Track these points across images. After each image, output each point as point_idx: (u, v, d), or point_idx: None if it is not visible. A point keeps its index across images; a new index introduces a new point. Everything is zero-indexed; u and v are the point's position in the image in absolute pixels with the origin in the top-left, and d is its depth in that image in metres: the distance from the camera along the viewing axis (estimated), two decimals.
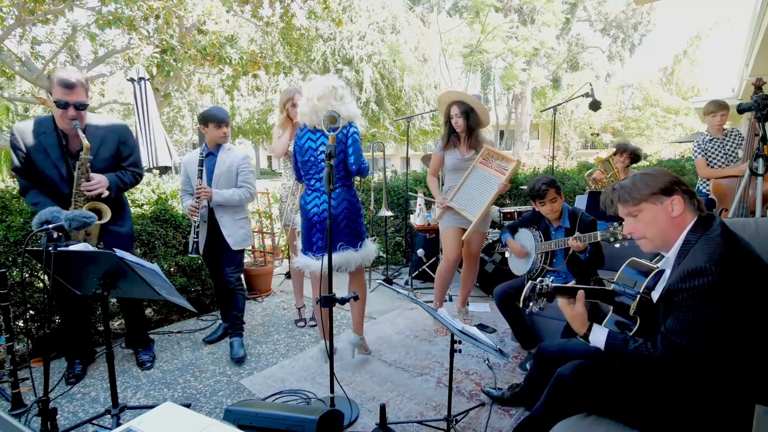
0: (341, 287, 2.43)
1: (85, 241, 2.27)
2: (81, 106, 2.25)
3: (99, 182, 2.30)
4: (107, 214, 2.35)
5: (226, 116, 2.80)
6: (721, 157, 3.48)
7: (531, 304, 1.54)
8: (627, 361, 1.35)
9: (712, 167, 3.54)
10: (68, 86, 2.18)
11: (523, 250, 2.72)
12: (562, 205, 2.58)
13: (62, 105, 2.20)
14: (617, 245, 2.23)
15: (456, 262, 3.14)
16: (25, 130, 2.28)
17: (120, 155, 2.48)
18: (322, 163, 2.37)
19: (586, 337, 1.45)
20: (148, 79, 4.63)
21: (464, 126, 2.96)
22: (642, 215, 1.40)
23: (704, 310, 1.19)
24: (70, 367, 2.54)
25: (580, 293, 1.51)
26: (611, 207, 1.48)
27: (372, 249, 2.56)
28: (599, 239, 2.30)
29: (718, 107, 3.48)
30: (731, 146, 3.47)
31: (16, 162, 2.29)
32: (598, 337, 1.41)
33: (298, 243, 2.62)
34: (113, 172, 2.43)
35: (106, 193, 2.32)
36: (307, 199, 2.48)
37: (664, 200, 1.36)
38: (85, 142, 2.24)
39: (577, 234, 2.39)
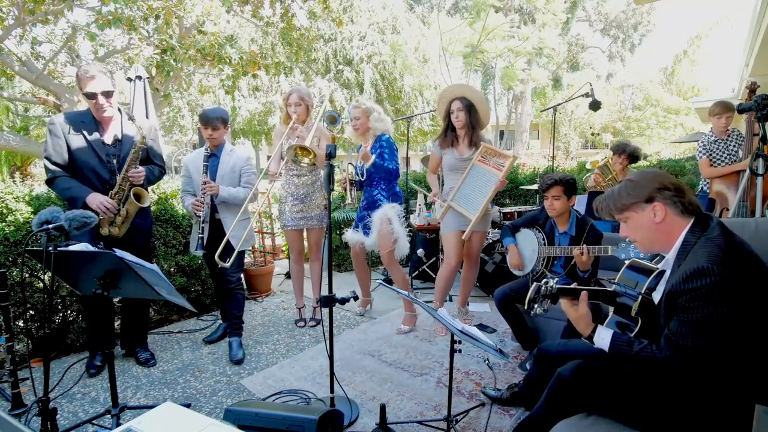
0: (342, 287, 2.43)
1: (116, 224, 2.44)
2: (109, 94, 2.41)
3: (141, 171, 2.48)
4: (147, 200, 2.57)
5: (212, 117, 2.77)
6: (725, 157, 3.49)
7: (536, 306, 1.54)
8: (631, 363, 1.35)
9: (716, 167, 3.54)
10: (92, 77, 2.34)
11: (521, 264, 2.68)
12: (567, 207, 2.53)
13: (90, 96, 2.36)
14: (627, 261, 2.18)
15: (458, 267, 3.13)
16: (64, 120, 2.42)
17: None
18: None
19: (590, 338, 1.45)
20: (147, 78, 4.63)
21: (465, 121, 2.94)
22: (629, 221, 1.45)
23: (707, 310, 1.19)
24: (92, 358, 2.63)
25: (583, 294, 1.51)
26: (603, 213, 1.52)
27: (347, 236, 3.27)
28: (610, 253, 2.22)
29: (723, 109, 3.47)
30: (734, 146, 3.47)
31: (51, 150, 2.39)
32: (603, 338, 1.41)
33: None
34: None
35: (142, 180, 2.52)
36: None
37: (646, 207, 1.39)
38: (143, 132, 2.45)
39: (586, 246, 2.33)
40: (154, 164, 2.66)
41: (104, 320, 2.56)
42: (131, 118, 2.47)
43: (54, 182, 2.40)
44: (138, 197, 2.46)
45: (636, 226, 1.43)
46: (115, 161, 2.46)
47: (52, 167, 2.39)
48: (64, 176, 2.40)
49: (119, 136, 2.49)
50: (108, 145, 2.46)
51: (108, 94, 2.38)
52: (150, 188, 3.34)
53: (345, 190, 3.28)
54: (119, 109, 2.52)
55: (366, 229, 3.18)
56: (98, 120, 2.44)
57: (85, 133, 2.41)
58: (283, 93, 3.24)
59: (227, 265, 2.77)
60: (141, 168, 2.48)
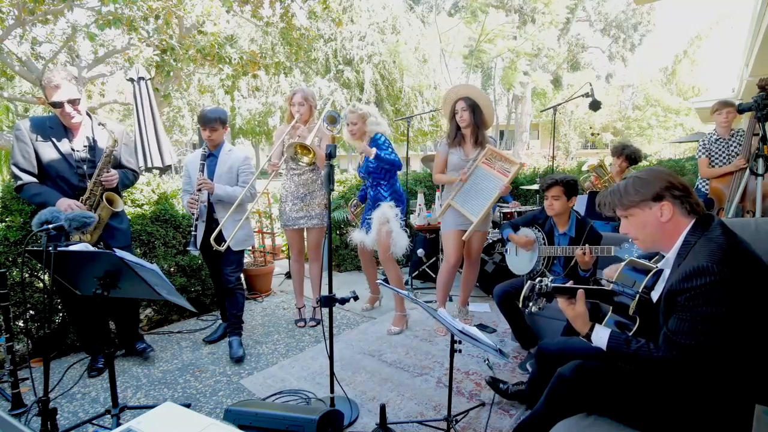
0: (342, 287, 2.43)
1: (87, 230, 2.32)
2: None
3: (114, 174, 2.45)
4: (120, 204, 2.52)
5: (211, 118, 2.77)
6: (724, 157, 3.47)
7: (530, 304, 1.54)
8: (629, 362, 1.35)
9: (714, 168, 3.54)
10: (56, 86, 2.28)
11: (529, 240, 2.65)
12: (566, 207, 2.53)
13: (56, 105, 2.31)
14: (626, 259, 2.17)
15: (457, 265, 3.14)
16: (31, 126, 2.36)
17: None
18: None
19: (588, 336, 1.45)
20: (149, 79, 4.64)
21: (470, 120, 2.95)
22: (633, 219, 1.43)
23: (706, 309, 1.19)
24: (94, 360, 2.63)
25: (580, 292, 1.50)
26: (605, 208, 1.50)
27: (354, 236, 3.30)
28: (612, 254, 2.20)
29: (722, 105, 3.48)
30: (735, 147, 3.45)
31: (19, 156, 2.31)
32: (600, 337, 1.41)
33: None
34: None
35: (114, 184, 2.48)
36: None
37: (653, 206, 1.37)
38: (114, 136, 2.41)
39: (588, 246, 2.33)
40: (127, 169, 2.62)
41: (97, 323, 2.57)
42: (101, 124, 2.44)
43: (23, 189, 2.34)
44: (111, 202, 2.43)
45: (640, 224, 1.41)
46: (85, 167, 2.41)
47: (20, 174, 2.32)
48: (33, 182, 2.34)
49: (89, 142, 2.44)
50: (78, 150, 2.41)
51: (74, 102, 2.32)
52: (150, 189, 3.36)
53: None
54: (88, 114, 2.47)
55: (369, 228, 3.20)
56: (66, 126, 2.39)
57: (53, 139, 2.35)
58: (284, 93, 3.25)
59: (221, 249, 2.75)
60: (114, 171, 2.44)
